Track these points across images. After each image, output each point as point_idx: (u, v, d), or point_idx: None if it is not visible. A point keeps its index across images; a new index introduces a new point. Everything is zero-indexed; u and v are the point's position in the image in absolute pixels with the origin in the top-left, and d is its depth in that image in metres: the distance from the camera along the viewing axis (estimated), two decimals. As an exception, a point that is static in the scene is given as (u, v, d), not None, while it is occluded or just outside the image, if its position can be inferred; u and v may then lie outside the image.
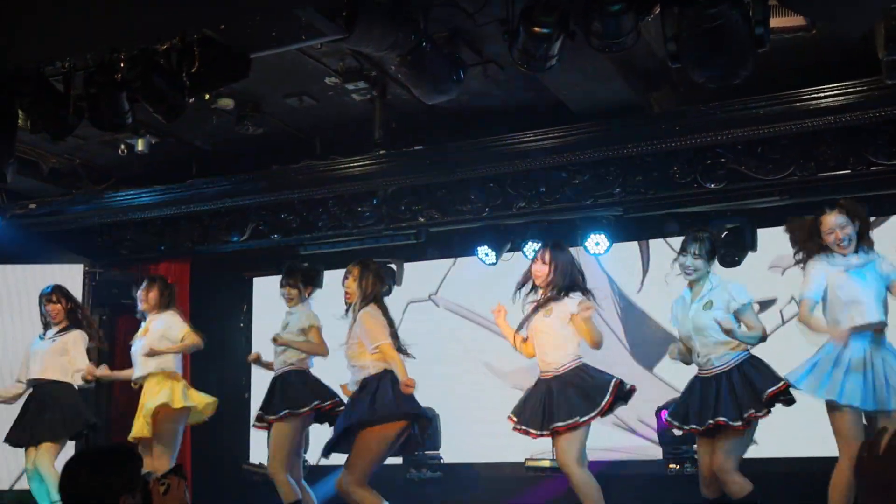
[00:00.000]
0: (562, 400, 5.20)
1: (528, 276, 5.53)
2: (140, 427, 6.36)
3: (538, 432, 5.27)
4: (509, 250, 7.76)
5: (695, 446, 6.88)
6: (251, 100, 6.66)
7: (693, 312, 5.22)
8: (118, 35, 4.92)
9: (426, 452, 7.92)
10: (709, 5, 4.14)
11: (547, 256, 5.42)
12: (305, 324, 6.28)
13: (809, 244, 5.03)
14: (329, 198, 7.62)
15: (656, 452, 7.45)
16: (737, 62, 4.46)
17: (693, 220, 7.33)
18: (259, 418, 6.34)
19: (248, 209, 7.88)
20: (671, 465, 7.10)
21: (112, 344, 8.60)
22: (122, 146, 7.14)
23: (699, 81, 4.63)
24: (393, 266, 8.28)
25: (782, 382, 4.98)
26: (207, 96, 5.67)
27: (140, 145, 7.08)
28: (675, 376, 7.42)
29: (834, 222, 4.88)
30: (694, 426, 5.18)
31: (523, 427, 5.33)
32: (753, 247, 7.13)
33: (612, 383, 5.24)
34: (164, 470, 6.24)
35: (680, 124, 6.42)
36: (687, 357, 5.33)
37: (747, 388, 5.03)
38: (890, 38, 5.00)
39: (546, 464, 7.55)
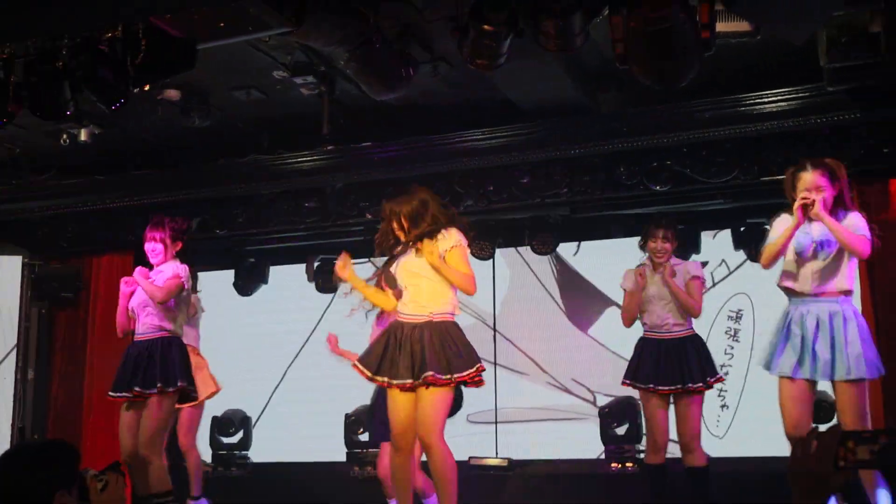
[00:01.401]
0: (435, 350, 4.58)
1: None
2: None
3: (405, 381, 4.57)
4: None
5: (640, 446, 7.04)
6: (198, 92, 6.57)
7: (657, 279, 5.63)
8: (61, 22, 4.83)
9: (234, 452, 8.07)
10: (656, 8, 4.19)
11: (385, 213, 4.82)
12: (170, 272, 5.56)
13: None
14: (276, 192, 7.57)
15: (589, 411, 7.61)
16: (683, 65, 4.52)
17: (639, 221, 7.43)
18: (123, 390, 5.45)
19: (193, 203, 7.78)
20: (614, 464, 7.18)
21: (51, 339, 8.46)
22: (65, 136, 6.99)
23: (645, 84, 4.68)
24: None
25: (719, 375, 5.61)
26: (150, 87, 5.57)
27: (83, 135, 6.93)
28: (609, 338, 7.68)
29: (811, 181, 4.45)
30: (676, 386, 5.43)
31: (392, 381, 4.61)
32: (697, 249, 7.24)
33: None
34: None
35: (627, 126, 6.49)
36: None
37: (705, 357, 5.56)
38: (832, 46, 5.09)
39: (493, 462, 7.60)
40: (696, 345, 5.61)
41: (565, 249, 7.95)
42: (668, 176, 6.64)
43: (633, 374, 5.61)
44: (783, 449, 4.93)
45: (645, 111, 6.42)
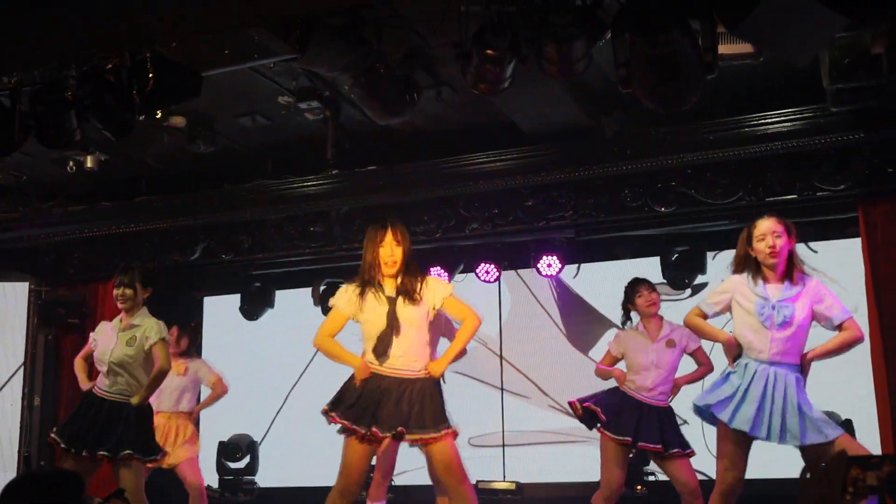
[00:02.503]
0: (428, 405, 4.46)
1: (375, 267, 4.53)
2: (181, 454, 6.66)
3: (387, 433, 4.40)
4: (462, 272, 7.78)
5: (647, 468, 7.02)
6: (203, 118, 6.61)
7: (656, 347, 5.69)
8: (67, 51, 4.87)
9: (241, 477, 8.03)
10: (659, 32, 4.20)
11: (399, 236, 4.53)
12: (155, 338, 5.38)
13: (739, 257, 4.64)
14: (281, 217, 7.59)
15: (590, 434, 7.58)
16: (686, 88, 4.52)
17: (644, 243, 7.44)
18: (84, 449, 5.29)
19: (199, 228, 7.81)
20: (638, 487, 7.10)
21: (58, 364, 8.46)
22: (71, 163, 7.04)
23: (649, 107, 4.69)
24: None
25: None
26: (158, 114, 5.61)
27: (89, 162, 6.98)
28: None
29: (768, 227, 4.50)
30: (657, 446, 5.57)
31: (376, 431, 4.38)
32: (703, 269, 7.22)
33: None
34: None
35: (631, 148, 6.49)
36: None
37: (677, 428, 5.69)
38: (834, 68, 5.11)
39: (501, 485, 7.57)
40: (671, 415, 5.69)
41: (565, 272, 7.95)
42: (673, 197, 6.63)
43: (615, 426, 5.60)
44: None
45: (649, 133, 6.43)
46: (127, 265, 5.77)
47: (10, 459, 7.68)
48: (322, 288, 8.19)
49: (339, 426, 4.45)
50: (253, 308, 8.49)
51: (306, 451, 8.22)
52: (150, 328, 5.42)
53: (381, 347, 4.46)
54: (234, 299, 8.51)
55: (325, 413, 4.47)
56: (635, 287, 5.86)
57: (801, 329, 4.40)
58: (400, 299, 4.49)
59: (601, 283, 7.87)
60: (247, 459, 8.14)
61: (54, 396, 8.39)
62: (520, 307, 8.16)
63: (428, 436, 4.39)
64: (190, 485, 6.74)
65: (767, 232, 4.47)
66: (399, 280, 4.53)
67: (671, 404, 5.72)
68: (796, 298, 4.41)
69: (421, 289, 4.52)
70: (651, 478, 7.16)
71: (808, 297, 4.42)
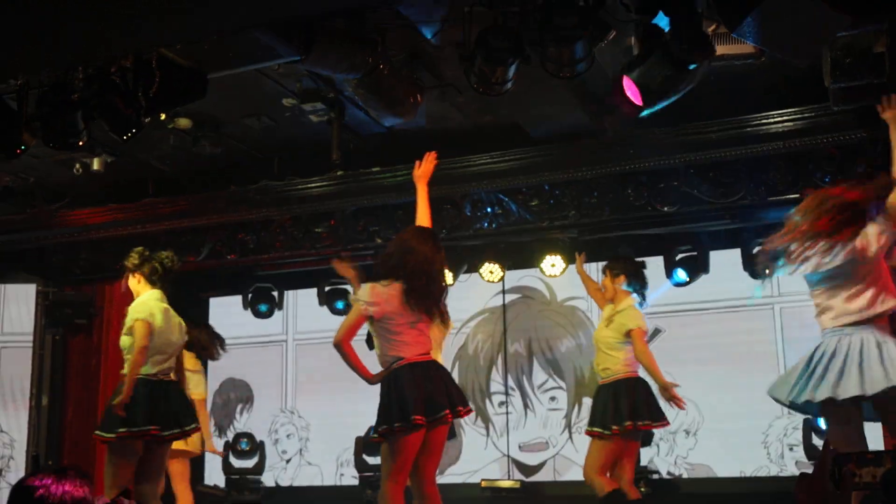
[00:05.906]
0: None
1: None
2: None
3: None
4: (466, 271, 7.81)
5: (651, 466, 7.04)
6: (209, 120, 6.65)
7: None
8: (74, 54, 4.90)
9: (247, 476, 8.04)
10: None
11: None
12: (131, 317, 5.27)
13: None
14: (286, 218, 7.61)
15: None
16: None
17: (647, 242, 7.46)
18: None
19: (204, 229, 7.84)
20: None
21: (65, 365, 8.50)
22: (78, 165, 7.07)
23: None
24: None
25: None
26: (164, 116, 5.64)
27: (96, 164, 7.01)
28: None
29: None
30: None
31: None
32: (706, 268, 7.24)
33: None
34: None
35: (634, 148, 6.52)
36: None
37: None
38: (836, 67, 5.12)
39: (505, 484, 7.59)
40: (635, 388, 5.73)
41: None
42: (675, 197, 6.66)
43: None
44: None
45: (651, 134, 6.45)
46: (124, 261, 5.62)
47: (18, 459, 7.71)
48: (327, 289, 8.22)
49: None
50: (258, 308, 8.52)
51: (313, 450, 8.27)
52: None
53: None
54: (240, 300, 8.54)
55: None
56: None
57: (852, 278, 4.27)
58: None
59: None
60: (255, 459, 8.18)
61: (62, 396, 8.44)
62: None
63: None
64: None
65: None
66: None
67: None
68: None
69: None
70: (656, 476, 7.19)
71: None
